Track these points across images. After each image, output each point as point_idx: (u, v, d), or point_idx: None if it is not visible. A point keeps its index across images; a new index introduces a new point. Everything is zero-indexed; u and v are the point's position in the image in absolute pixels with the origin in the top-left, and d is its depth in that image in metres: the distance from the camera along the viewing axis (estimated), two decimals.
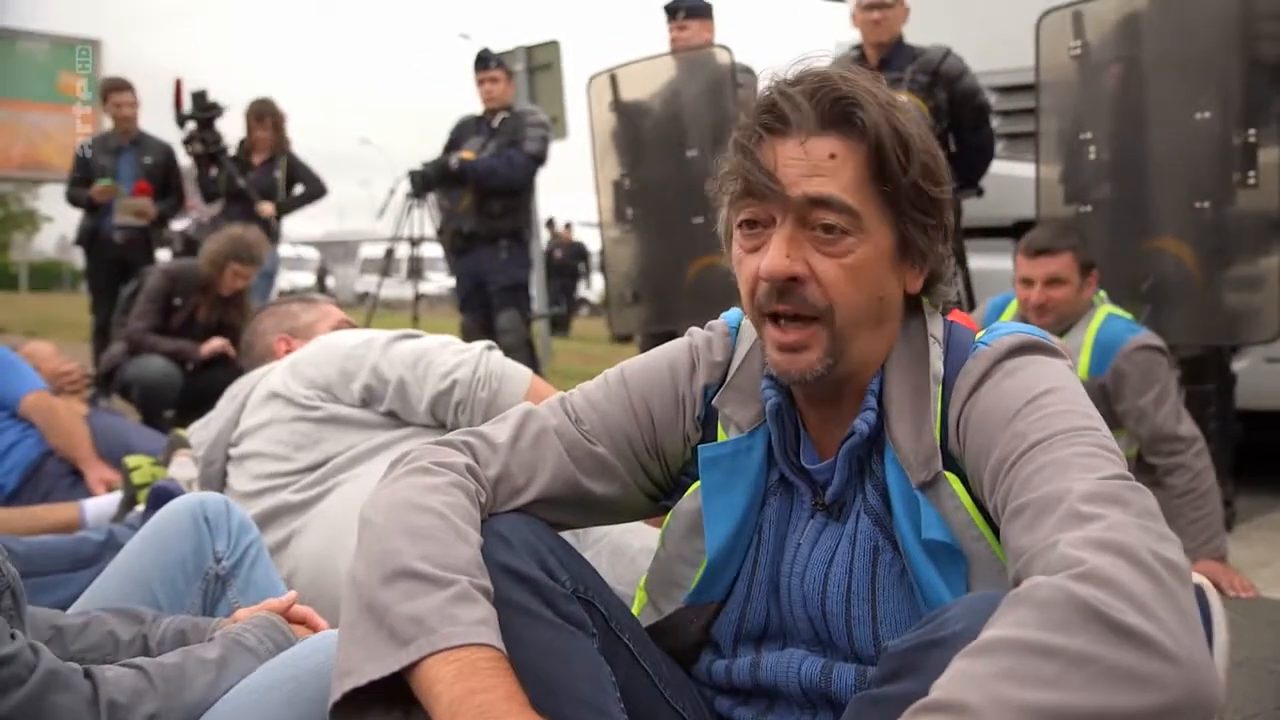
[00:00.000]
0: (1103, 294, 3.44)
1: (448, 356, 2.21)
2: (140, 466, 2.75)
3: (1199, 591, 0.92)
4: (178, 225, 6.92)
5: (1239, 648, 2.08)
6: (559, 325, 14.82)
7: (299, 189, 6.56)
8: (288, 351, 2.49)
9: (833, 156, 1.16)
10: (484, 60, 5.86)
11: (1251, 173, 3.66)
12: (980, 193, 4.51)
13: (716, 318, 1.40)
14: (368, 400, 2.24)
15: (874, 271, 1.19)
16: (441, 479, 1.20)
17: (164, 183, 6.43)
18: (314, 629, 1.51)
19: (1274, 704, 2.44)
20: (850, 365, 1.22)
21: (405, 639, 1.03)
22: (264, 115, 6.37)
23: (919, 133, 1.19)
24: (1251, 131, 3.65)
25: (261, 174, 6.34)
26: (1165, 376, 3.26)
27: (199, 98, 6.30)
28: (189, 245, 6.42)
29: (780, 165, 1.16)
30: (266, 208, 6.16)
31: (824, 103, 1.16)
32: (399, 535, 1.12)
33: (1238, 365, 4.28)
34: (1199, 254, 3.85)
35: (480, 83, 5.87)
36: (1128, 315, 3.44)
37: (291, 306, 2.75)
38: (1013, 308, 3.55)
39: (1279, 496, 4.58)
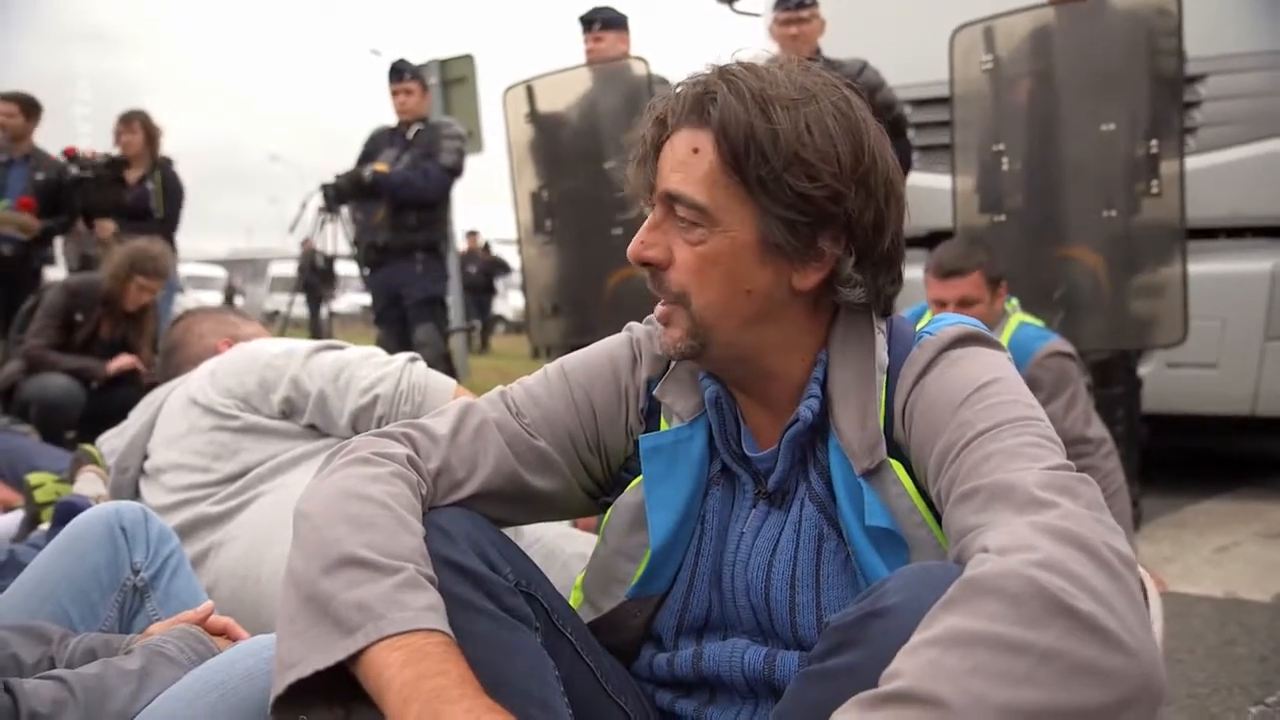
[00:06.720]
0: (1015, 302, 3.51)
1: (369, 370, 2.15)
2: (44, 484, 2.62)
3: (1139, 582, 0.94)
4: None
5: None
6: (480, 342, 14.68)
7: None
8: None
9: (696, 151, 1.17)
10: (398, 71, 5.79)
11: (1154, 183, 3.80)
12: None
13: None
14: (288, 412, 2.18)
15: (731, 264, 1.18)
16: (383, 469, 1.17)
17: (54, 200, 6.18)
18: (234, 639, 1.45)
19: (1185, 691, 2.51)
20: (731, 352, 1.22)
21: (351, 627, 1.00)
22: (132, 119, 6.12)
23: (806, 125, 1.12)
24: (1154, 143, 3.80)
25: (137, 191, 6.13)
26: (1076, 381, 3.34)
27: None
28: (85, 262, 6.20)
29: (660, 159, 1.21)
30: (107, 225, 5.97)
31: (688, 97, 1.18)
32: (340, 524, 1.08)
33: (1142, 370, 4.43)
34: (1107, 262, 3.98)
35: (394, 94, 5.80)
36: (1039, 322, 3.51)
37: (229, 315, 2.71)
38: (926, 319, 3.60)
39: (1181, 496, 4.77)
